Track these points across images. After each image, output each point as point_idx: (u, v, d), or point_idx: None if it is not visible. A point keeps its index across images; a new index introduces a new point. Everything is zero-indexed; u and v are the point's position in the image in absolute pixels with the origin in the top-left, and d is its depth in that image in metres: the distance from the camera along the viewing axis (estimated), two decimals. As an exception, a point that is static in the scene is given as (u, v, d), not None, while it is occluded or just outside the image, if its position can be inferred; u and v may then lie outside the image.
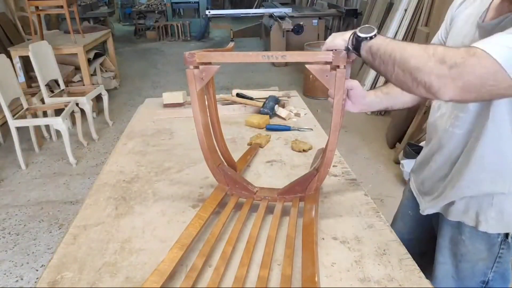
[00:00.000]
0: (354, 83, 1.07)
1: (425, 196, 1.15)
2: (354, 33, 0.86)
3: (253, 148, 1.46)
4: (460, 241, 1.07)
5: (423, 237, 1.25)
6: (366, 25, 0.85)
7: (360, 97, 1.09)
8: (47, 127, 3.82)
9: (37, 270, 2.17)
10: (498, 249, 1.03)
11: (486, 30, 0.91)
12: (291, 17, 6.23)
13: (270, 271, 0.85)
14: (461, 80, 0.70)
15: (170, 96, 1.95)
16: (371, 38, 0.83)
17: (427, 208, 1.13)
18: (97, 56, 4.74)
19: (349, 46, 0.88)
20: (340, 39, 0.91)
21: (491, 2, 0.94)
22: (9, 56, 3.43)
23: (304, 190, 1.08)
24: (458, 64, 0.69)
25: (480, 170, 0.96)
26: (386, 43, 0.80)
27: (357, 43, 0.85)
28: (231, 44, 1.27)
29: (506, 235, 1.02)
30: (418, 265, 0.90)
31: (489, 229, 1.00)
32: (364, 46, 0.84)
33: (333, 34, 0.94)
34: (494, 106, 0.89)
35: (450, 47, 0.74)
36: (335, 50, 0.90)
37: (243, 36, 8.52)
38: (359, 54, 0.87)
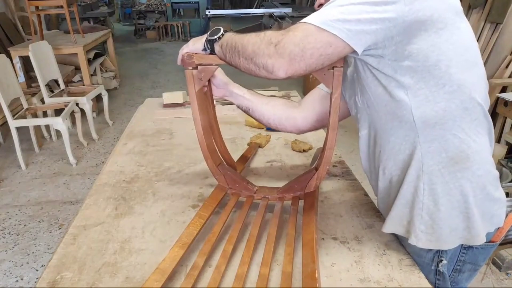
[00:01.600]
0: (217, 71, 1.12)
1: None
2: (206, 37, 0.95)
3: (253, 148, 1.46)
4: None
5: None
6: (215, 28, 0.94)
7: (222, 83, 1.15)
8: (47, 127, 3.82)
9: (37, 270, 2.17)
10: (434, 280, 0.91)
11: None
12: (291, 17, 6.22)
13: (270, 270, 0.85)
14: (285, 53, 0.77)
15: (170, 96, 1.95)
16: (219, 38, 0.92)
17: None
18: (97, 56, 4.74)
19: (206, 48, 0.96)
20: (199, 43, 0.97)
21: None
22: (9, 56, 3.43)
23: (304, 189, 1.08)
24: (280, 40, 0.77)
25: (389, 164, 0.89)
26: (231, 38, 0.89)
27: (210, 44, 0.94)
28: None
29: (438, 263, 0.89)
30: None
31: (418, 242, 0.86)
32: (216, 46, 0.93)
33: (193, 39, 1.00)
34: (372, 96, 0.86)
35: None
36: (195, 53, 0.98)
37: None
38: (215, 54, 0.95)
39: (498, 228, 0.89)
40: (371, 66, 0.82)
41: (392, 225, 0.91)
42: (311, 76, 4.70)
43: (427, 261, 0.90)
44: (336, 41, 0.75)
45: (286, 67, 0.78)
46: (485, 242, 0.87)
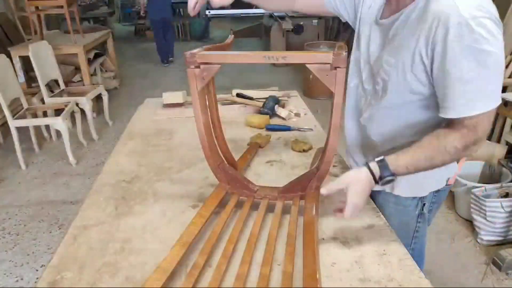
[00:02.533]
0: None
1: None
2: (378, 180, 0.91)
3: (253, 147, 1.46)
4: (385, 216, 1.12)
5: None
6: (385, 180, 0.90)
7: None
8: (47, 127, 3.82)
9: (37, 270, 2.17)
10: (416, 223, 1.14)
11: (384, 28, 1.01)
12: (291, 17, 6.23)
13: (271, 270, 0.85)
14: (485, 137, 0.89)
15: (170, 96, 1.95)
16: (393, 174, 0.90)
17: None
18: (97, 56, 4.74)
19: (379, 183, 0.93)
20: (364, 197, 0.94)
21: None
22: (9, 56, 3.43)
23: (305, 189, 1.08)
24: (477, 140, 0.87)
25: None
26: (413, 170, 0.90)
27: (386, 182, 0.92)
28: (231, 38, 1.27)
29: (422, 207, 1.12)
30: None
31: (402, 193, 1.10)
32: (391, 179, 0.91)
33: (352, 201, 0.91)
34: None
35: (449, 136, 0.88)
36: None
37: (243, 36, 8.52)
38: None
39: (454, 172, 1.11)
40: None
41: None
42: (311, 76, 4.70)
43: (412, 208, 1.12)
44: None
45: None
46: (445, 185, 1.12)
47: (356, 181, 0.90)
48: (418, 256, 1.14)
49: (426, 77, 0.91)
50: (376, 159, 0.90)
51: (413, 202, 1.12)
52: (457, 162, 1.10)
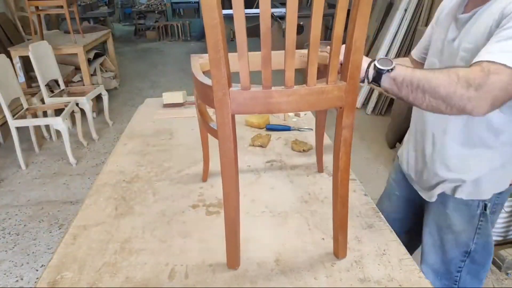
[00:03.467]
0: None
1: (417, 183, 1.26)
2: (373, 65, 0.88)
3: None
4: (445, 214, 1.17)
5: (409, 216, 1.36)
6: (383, 57, 0.88)
7: None
8: (47, 127, 3.82)
9: (37, 270, 2.17)
10: (478, 221, 1.13)
11: (460, 22, 1.03)
12: (291, 17, 6.22)
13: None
14: (489, 97, 0.79)
15: (170, 96, 1.95)
16: (392, 69, 0.86)
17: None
18: (97, 56, 4.74)
19: (367, 77, 0.91)
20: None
21: None
22: (9, 56, 3.43)
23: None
24: (482, 85, 0.79)
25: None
26: (411, 74, 0.85)
27: (377, 75, 0.88)
28: None
29: (484, 207, 1.12)
30: (404, 244, 0.96)
31: (464, 196, 1.11)
32: (386, 78, 0.87)
33: None
34: None
35: (465, 67, 0.82)
36: None
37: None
38: (378, 85, 0.89)
39: None
40: None
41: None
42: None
43: (473, 207, 1.12)
44: None
45: (487, 109, 0.81)
46: (509, 185, 1.12)
47: None
48: (483, 250, 1.16)
49: None
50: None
51: (474, 202, 1.13)
52: None
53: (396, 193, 1.39)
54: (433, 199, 1.18)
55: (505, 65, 0.79)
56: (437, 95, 0.83)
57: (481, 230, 1.15)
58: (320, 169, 1.30)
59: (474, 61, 0.84)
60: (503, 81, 0.79)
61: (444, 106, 0.84)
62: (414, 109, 1.22)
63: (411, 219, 1.35)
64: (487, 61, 0.81)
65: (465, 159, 1.09)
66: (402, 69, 0.86)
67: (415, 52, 1.30)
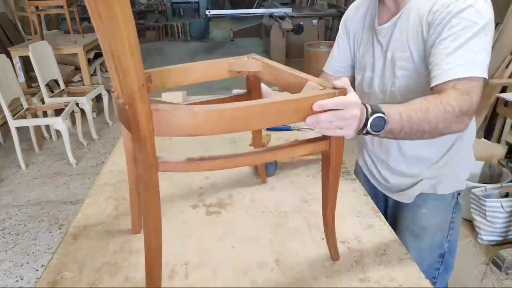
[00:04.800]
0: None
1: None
2: (367, 130, 0.77)
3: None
4: (421, 216, 1.16)
5: None
6: (375, 116, 0.75)
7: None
8: (47, 127, 3.82)
9: (37, 270, 2.17)
10: (451, 214, 1.15)
11: (382, 33, 1.05)
12: (291, 17, 6.23)
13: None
14: (472, 114, 0.86)
15: (170, 96, 1.95)
16: (386, 126, 0.77)
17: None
18: (97, 56, 4.74)
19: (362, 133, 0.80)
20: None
21: (377, 5, 1.07)
22: (9, 56, 3.43)
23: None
24: (470, 107, 0.83)
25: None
26: (407, 121, 0.79)
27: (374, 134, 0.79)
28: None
29: (457, 196, 1.13)
30: None
31: (446, 190, 1.12)
32: (381, 133, 0.78)
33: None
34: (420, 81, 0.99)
35: (448, 92, 0.84)
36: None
37: (243, 36, 8.52)
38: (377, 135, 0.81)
39: None
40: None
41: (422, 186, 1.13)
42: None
43: (449, 199, 1.14)
44: None
45: (471, 120, 0.88)
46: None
47: (355, 105, 0.71)
48: (453, 249, 1.18)
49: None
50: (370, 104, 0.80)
51: (451, 194, 1.15)
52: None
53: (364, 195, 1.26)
54: (411, 200, 1.16)
55: (476, 77, 0.84)
56: (436, 131, 0.84)
57: (454, 224, 1.16)
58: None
59: (441, 80, 0.85)
60: (479, 93, 0.85)
61: (438, 135, 0.86)
62: None
63: None
64: (459, 79, 0.83)
65: (436, 157, 1.10)
66: (397, 120, 0.78)
67: (328, 68, 1.27)
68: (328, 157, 0.78)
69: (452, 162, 1.10)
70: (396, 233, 1.14)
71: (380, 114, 0.75)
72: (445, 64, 0.85)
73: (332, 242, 0.90)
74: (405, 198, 1.18)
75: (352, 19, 1.17)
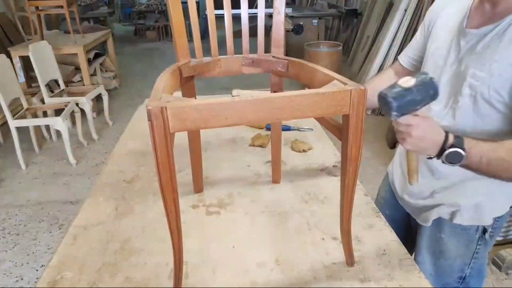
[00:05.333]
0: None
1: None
2: (441, 157, 0.80)
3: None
4: (439, 239, 1.09)
5: (400, 237, 1.21)
6: (453, 150, 0.78)
7: None
8: (47, 127, 3.82)
9: (37, 270, 2.17)
10: (476, 245, 1.06)
11: (467, 38, 0.91)
12: (291, 17, 6.23)
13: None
14: None
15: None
16: (462, 163, 0.79)
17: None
18: (97, 56, 4.74)
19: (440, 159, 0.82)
20: (429, 149, 0.81)
21: (471, 4, 0.94)
22: (9, 56, 3.43)
23: None
24: None
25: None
26: (485, 166, 0.80)
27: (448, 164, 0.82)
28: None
29: (484, 231, 1.04)
30: None
31: (464, 221, 1.03)
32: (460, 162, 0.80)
33: (419, 135, 0.78)
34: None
35: None
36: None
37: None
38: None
39: None
40: None
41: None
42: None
43: (471, 231, 1.05)
44: None
45: None
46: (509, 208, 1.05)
47: (430, 121, 0.78)
48: (478, 274, 1.10)
49: None
50: (454, 134, 0.80)
51: (473, 227, 1.05)
52: None
53: (386, 212, 1.25)
54: (428, 224, 1.10)
55: None
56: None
57: (478, 255, 1.07)
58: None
59: None
60: None
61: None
62: None
63: (403, 239, 1.23)
64: None
65: (462, 182, 1.01)
66: (475, 162, 0.79)
67: (403, 60, 1.20)
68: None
69: (475, 194, 1.00)
70: (415, 246, 1.15)
71: (459, 150, 0.76)
72: None
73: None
74: (421, 219, 1.13)
75: (439, 12, 1.05)
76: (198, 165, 1.16)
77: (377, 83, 1.18)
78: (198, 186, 1.21)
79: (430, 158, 0.83)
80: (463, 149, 0.77)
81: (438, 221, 1.08)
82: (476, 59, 0.88)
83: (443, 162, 0.80)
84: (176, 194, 0.74)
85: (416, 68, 1.16)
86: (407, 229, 1.22)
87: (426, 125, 0.77)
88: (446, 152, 0.78)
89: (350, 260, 0.89)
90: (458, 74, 0.93)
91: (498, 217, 1.04)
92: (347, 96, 0.68)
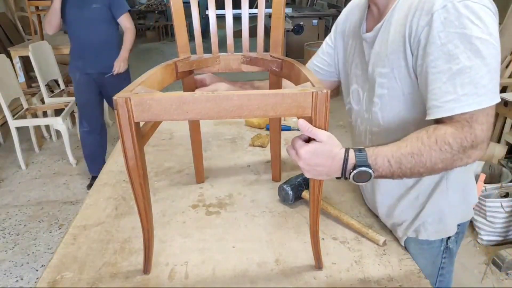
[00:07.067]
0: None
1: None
2: (348, 178, 0.75)
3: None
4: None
5: None
6: (359, 170, 0.72)
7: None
8: (47, 127, 3.82)
9: (37, 270, 2.17)
10: (441, 259, 1.00)
11: (367, 42, 0.93)
12: (291, 17, 6.23)
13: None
14: (486, 142, 0.74)
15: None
16: (373, 173, 0.73)
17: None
18: (97, 56, 4.73)
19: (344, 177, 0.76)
20: (333, 172, 0.76)
21: (367, 10, 0.96)
22: (9, 56, 3.43)
23: None
24: (474, 139, 0.72)
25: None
26: (397, 168, 0.73)
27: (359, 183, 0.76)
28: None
29: (447, 240, 0.98)
30: None
31: (430, 236, 0.96)
32: (370, 181, 0.75)
33: (313, 150, 0.73)
34: (406, 118, 0.86)
35: (443, 128, 0.73)
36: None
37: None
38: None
39: (475, 202, 1.03)
40: None
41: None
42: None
43: (436, 244, 0.99)
44: None
45: (481, 155, 0.76)
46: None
47: (330, 145, 0.73)
48: None
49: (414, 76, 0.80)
50: (354, 148, 0.75)
51: (438, 240, 0.99)
52: (475, 187, 1.00)
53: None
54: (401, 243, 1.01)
55: (483, 109, 0.71)
56: (436, 171, 0.75)
57: (444, 269, 1.02)
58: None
59: (436, 117, 0.74)
60: (487, 122, 0.73)
61: (444, 171, 0.78)
62: (353, 134, 1.05)
63: None
64: (457, 114, 0.72)
65: (416, 197, 0.94)
66: (385, 168, 0.73)
67: (310, 65, 1.16)
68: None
69: (435, 205, 0.93)
70: None
71: (364, 169, 0.71)
72: (442, 95, 0.73)
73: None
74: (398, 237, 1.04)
75: (344, 22, 1.06)
76: (199, 155, 1.20)
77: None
78: (200, 176, 1.25)
79: (339, 178, 0.77)
80: (367, 166, 0.72)
81: (406, 240, 1.00)
82: (378, 58, 0.88)
83: (355, 181, 0.74)
84: (144, 180, 0.80)
85: (320, 77, 1.08)
86: None
87: (318, 151, 0.73)
88: (353, 173, 0.72)
89: (318, 263, 0.87)
90: (370, 78, 0.92)
91: (462, 223, 1.00)
92: (309, 98, 0.69)
